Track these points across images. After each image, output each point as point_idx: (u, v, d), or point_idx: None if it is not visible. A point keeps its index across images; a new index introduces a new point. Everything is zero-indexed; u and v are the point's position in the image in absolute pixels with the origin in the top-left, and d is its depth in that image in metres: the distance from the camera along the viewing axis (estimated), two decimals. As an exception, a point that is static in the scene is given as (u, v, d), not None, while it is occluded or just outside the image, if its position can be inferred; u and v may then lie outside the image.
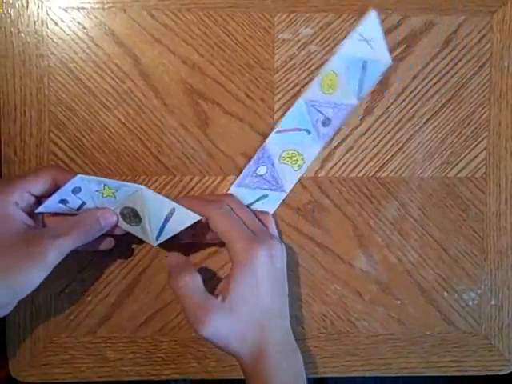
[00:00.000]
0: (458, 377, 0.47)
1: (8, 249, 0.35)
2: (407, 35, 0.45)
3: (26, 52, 0.44)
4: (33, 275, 0.35)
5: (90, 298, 0.45)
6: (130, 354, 0.45)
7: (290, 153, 0.45)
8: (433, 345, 0.47)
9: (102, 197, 0.40)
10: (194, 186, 0.45)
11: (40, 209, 0.38)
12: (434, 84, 0.46)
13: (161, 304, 0.45)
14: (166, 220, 0.40)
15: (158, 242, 0.40)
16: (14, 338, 0.45)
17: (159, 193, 0.41)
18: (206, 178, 0.45)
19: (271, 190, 0.45)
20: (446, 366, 0.47)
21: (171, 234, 0.40)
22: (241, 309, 0.38)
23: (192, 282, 0.38)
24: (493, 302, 0.47)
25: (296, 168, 0.45)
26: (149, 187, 0.40)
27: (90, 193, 0.39)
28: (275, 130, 0.45)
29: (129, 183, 0.39)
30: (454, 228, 0.47)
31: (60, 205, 0.39)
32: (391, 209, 0.46)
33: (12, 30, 0.43)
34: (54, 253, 0.36)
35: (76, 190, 0.38)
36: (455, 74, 0.46)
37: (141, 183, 0.44)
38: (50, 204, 0.38)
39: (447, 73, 0.46)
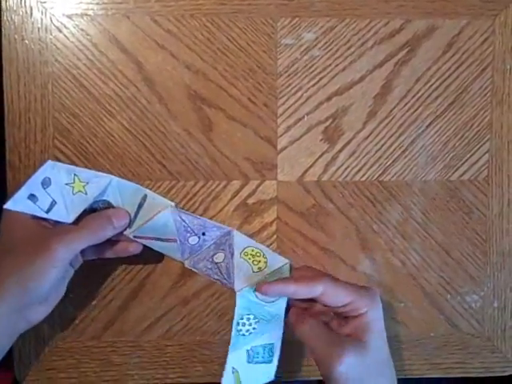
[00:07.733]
0: (462, 378, 0.47)
1: (23, 249, 0.37)
2: (410, 39, 0.46)
3: (30, 59, 0.44)
4: (40, 269, 0.36)
5: (95, 302, 0.45)
6: (135, 358, 0.45)
7: (255, 251, 0.43)
8: (436, 347, 0.47)
9: (73, 193, 0.40)
10: (197, 191, 0.45)
11: (8, 204, 0.38)
12: (437, 87, 0.46)
13: (165, 308, 0.46)
14: (140, 206, 0.41)
15: (132, 230, 0.41)
16: (20, 343, 0.45)
17: (130, 180, 0.42)
18: (210, 182, 0.45)
19: (221, 281, 0.43)
20: (449, 368, 0.47)
21: (143, 221, 0.41)
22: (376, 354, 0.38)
23: (317, 323, 0.39)
24: (495, 305, 0.47)
25: (255, 270, 0.42)
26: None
27: (60, 187, 0.39)
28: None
29: (100, 173, 0.41)
30: (457, 231, 0.47)
31: (29, 202, 0.38)
32: (394, 212, 0.46)
33: (16, 36, 0.44)
34: (59, 247, 0.37)
35: (46, 183, 0.39)
36: (458, 77, 0.46)
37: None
38: (19, 198, 0.38)
39: (450, 76, 0.46)
